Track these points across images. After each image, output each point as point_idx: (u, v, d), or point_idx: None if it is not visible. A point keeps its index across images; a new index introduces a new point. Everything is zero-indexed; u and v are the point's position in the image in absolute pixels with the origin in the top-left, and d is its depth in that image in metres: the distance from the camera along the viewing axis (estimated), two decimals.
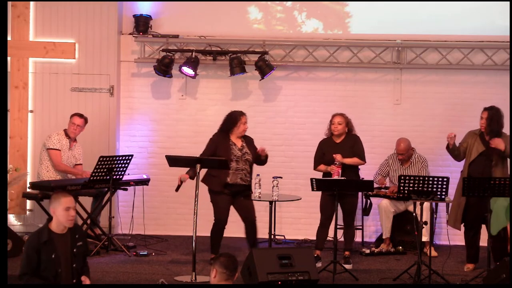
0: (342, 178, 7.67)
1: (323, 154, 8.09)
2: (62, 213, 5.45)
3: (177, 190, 7.87)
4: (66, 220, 5.48)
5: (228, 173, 7.81)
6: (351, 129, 8.17)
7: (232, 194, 7.86)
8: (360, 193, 9.02)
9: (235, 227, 9.71)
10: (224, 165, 7.56)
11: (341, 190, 7.49)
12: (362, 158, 8.06)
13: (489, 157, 7.73)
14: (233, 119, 7.99)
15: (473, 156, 7.79)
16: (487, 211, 7.45)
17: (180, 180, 7.80)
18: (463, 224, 7.88)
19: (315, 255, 7.93)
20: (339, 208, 7.66)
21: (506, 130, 8.52)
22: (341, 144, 8.07)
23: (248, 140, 8.07)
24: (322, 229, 8.05)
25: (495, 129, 7.75)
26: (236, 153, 7.90)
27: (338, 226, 7.63)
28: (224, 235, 9.79)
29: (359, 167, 8.73)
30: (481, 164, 7.75)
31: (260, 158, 7.98)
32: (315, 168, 8.18)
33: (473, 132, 7.95)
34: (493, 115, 7.77)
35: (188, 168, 7.78)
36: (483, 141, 7.80)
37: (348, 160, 7.97)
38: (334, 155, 7.94)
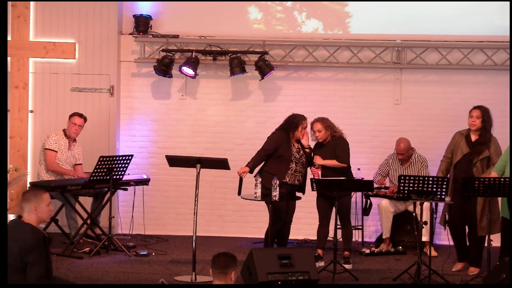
0: (342, 178, 7.67)
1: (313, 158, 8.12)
2: (46, 209, 5.31)
3: (239, 193, 7.85)
4: (48, 216, 5.38)
5: (285, 173, 7.82)
6: (333, 131, 8.10)
7: (285, 193, 7.80)
8: (359, 193, 9.04)
9: (235, 227, 9.74)
10: (224, 165, 7.56)
11: (340, 190, 7.49)
12: (342, 161, 7.96)
13: (472, 159, 7.66)
14: (295, 122, 7.97)
15: (458, 157, 7.73)
16: (470, 211, 7.41)
17: (240, 178, 7.76)
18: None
19: (317, 254, 7.95)
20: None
21: (506, 130, 8.54)
22: (325, 147, 8.08)
23: (301, 145, 8.05)
24: (321, 228, 8.08)
25: (488, 127, 7.69)
26: (295, 155, 7.93)
27: (338, 226, 7.64)
28: (224, 235, 9.81)
29: (359, 167, 8.75)
30: (464, 165, 7.67)
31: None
32: (310, 169, 8.20)
33: (460, 133, 7.86)
34: (485, 112, 7.72)
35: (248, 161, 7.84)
36: (468, 142, 7.71)
37: (328, 162, 7.95)
38: (314, 158, 7.99)
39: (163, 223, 9.77)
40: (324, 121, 8.09)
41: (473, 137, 7.74)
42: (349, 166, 8.07)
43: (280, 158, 7.86)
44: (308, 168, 8.11)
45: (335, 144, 8.02)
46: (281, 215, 7.85)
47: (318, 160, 7.97)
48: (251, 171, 7.80)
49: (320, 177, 7.85)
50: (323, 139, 8.06)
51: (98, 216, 8.84)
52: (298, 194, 8.08)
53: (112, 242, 8.44)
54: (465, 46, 9.51)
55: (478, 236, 7.58)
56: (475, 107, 7.78)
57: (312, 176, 7.87)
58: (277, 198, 7.44)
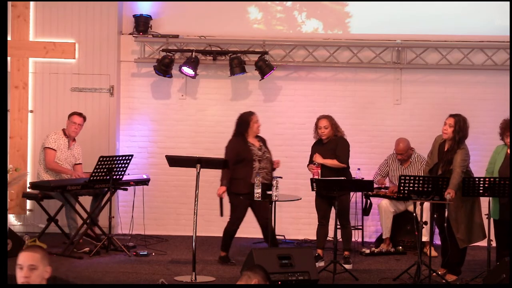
0: (342, 178, 7.67)
1: (312, 156, 8.12)
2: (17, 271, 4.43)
3: (221, 214, 7.99)
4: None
5: (252, 174, 7.87)
6: (336, 130, 8.09)
7: (251, 199, 7.83)
8: (359, 193, 9.03)
9: None
10: (224, 165, 7.57)
11: (341, 191, 7.49)
12: (342, 161, 7.95)
13: (438, 170, 7.46)
14: (245, 121, 8.07)
15: (430, 166, 7.55)
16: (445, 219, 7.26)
17: (220, 199, 7.91)
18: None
19: (317, 254, 7.95)
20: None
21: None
22: (326, 145, 8.07)
23: (263, 140, 8.17)
24: (321, 227, 8.08)
25: (458, 138, 7.39)
26: (257, 153, 8.00)
27: (338, 226, 7.64)
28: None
29: (359, 167, 8.75)
30: (434, 173, 7.48)
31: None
32: (307, 167, 8.19)
33: (437, 138, 7.60)
34: (459, 122, 7.41)
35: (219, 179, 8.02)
36: (441, 151, 7.50)
37: (327, 162, 7.95)
38: (314, 156, 7.99)
39: (163, 223, 9.77)
40: (331, 119, 8.10)
41: (446, 146, 7.49)
42: (348, 166, 8.07)
43: (243, 162, 7.92)
44: (307, 166, 8.11)
45: (336, 144, 8.01)
46: (241, 215, 7.97)
47: (318, 158, 7.96)
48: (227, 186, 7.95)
49: (319, 176, 7.85)
50: (326, 137, 8.06)
51: (97, 216, 8.84)
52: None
53: (112, 242, 8.44)
54: (465, 46, 9.51)
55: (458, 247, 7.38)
56: (451, 115, 7.50)
57: (312, 175, 7.88)
58: (277, 198, 7.47)
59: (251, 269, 4.94)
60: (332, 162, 7.95)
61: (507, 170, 7.29)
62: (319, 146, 8.12)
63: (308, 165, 8.12)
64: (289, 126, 9.75)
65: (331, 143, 8.04)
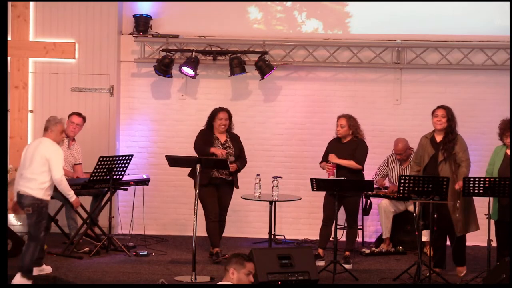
0: (342, 178, 7.67)
1: (327, 153, 8.12)
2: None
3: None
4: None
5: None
6: (356, 132, 8.11)
7: (215, 187, 8.01)
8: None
9: (235, 227, 9.73)
10: (224, 165, 7.58)
11: (341, 191, 7.49)
12: (359, 163, 7.98)
13: (437, 159, 7.53)
14: (211, 116, 8.23)
15: (426, 160, 7.61)
16: (444, 213, 7.32)
17: (223, 155, 7.95)
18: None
19: (317, 254, 7.94)
20: (341, 208, 7.70)
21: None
22: (344, 145, 8.07)
23: (233, 137, 8.26)
24: (324, 228, 8.06)
25: (453, 126, 7.58)
26: (217, 147, 8.08)
27: (339, 226, 7.64)
28: (224, 235, 9.78)
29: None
30: (432, 167, 7.55)
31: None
32: (320, 165, 8.20)
33: (425, 136, 7.76)
34: (450, 111, 7.60)
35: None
36: (433, 144, 7.61)
37: (343, 162, 7.95)
38: (329, 155, 7.99)
39: (163, 223, 9.77)
40: (350, 119, 8.12)
41: (438, 138, 7.62)
42: (362, 169, 8.08)
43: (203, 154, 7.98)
44: (320, 164, 8.11)
45: (356, 146, 8.03)
46: (212, 205, 8.02)
47: (333, 158, 7.96)
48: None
49: (334, 175, 7.85)
50: (342, 136, 8.07)
51: (96, 216, 8.84)
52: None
53: (112, 242, 8.44)
54: (465, 46, 9.51)
55: (457, 236, 7.47)
56: (439, 107, 7.67)
57: (327, 175, 7.89)
58: (277, 198, 7.47)
59: (226, 263, 5.00)
60: (347, 163, 7.95)
61: (506, 170, 7.31)
62: (337, 144, 8.12)
63: (321, 162, 8.13)
64: (289, 126, 9.75)
65: (351, 144, 8.04)
